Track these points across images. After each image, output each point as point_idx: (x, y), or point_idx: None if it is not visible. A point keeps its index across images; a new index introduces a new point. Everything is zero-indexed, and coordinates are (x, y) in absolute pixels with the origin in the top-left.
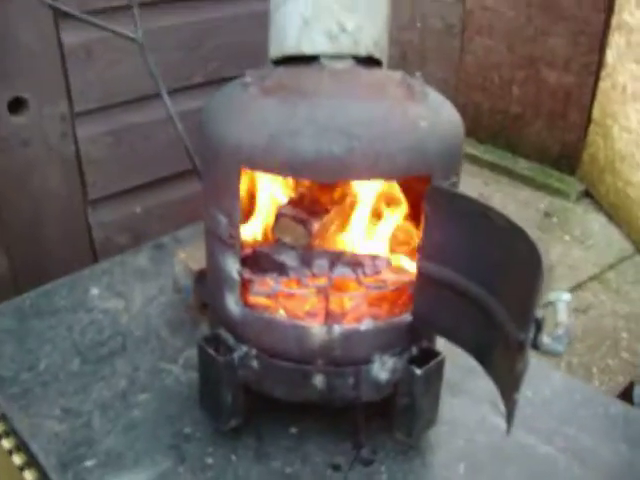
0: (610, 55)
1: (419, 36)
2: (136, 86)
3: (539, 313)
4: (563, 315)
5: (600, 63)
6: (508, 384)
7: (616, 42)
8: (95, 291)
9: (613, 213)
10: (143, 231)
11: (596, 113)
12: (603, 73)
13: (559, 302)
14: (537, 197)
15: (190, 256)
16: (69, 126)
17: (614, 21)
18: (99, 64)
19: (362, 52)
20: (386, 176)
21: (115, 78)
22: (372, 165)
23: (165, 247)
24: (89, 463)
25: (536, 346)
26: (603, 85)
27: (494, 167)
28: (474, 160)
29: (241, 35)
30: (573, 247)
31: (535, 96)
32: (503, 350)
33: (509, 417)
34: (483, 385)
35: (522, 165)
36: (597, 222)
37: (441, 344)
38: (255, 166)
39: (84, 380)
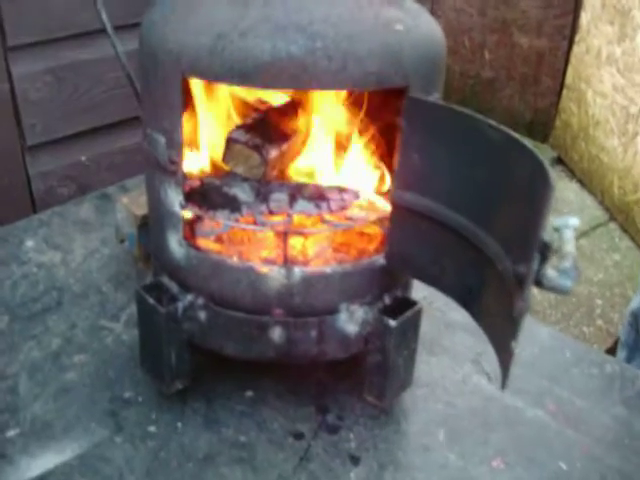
0: (584, 18)
1: None
2: (81, 19)
3: (545, 238)
4: (570, 244)
5: (574, 26)
6: (502, 331)
7: (591, 4)
8: (30, 243)
9: (586, 180)
10: (89, 182)
11: (570, 78)
12: (577, 37)
13: (565, 229)
14: None
15: (134, 201)
16: (1, 62)
17: None
18: None
19: None
20: (355, 85)
21: (55, 9)
22: (338, 70)
23: (110, 197)
24: (11, 433)
25: (539, 282)
26: (577, 49)
27: None
28: None
29: None
30: None
31: (507, 60)
32: (496, 290)
33: (504, 371)
34: (464, 341)
35: None
36: (570, 189)
37: (415, 296)
38: (199, 72)
39: (12, 339)
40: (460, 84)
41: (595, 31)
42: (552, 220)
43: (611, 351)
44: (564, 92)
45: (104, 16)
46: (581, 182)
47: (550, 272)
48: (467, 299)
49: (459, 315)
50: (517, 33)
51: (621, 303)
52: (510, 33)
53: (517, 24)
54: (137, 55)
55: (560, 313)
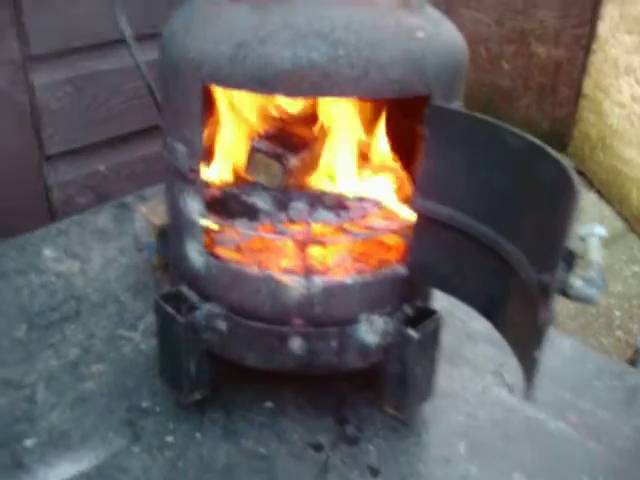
0: (602, 27)
1: None
2: (101, 29)
3: (569, 247)
4: (596, 253)
5: (592, 36)
6: (526, 341)
7: (609, 14)
8: (48, 252)
9: (605, 191)
10: (108, 192)
11: (587, 88)
12: (595, 46)
13: (591, 237)
14: None
15: (153, 210)
16: (20, 71)
17: None
18: (58, 2)
19: None
20: (376, 92)
21: (77, 19)
22: (360, 77)
23: (128, 206)
24: (29, 442)
25: (565, 291)
26: (595, 58)
27: None
28: None
29: None
30: None
31: (524, 70)
32: (519, 299)
33: (528, 381)
34: (485, 352)
35: None
36: (588, 200)
37: (435, 305)
38: (219, 80)
39: (30, 348)
40: (477, 94)
41: (613, 41)
42: (577, 228)
43: (630, 362)
44: (582, 102)
45: (124, 26)
46: (599, 192)
47: (576, 281)
48: (489, 309)
49: (480, 325)
50: (535, 43)
51: None
52: (528, 43)
53: (535, 34)
54: (157, 65)
55: (579, 324)
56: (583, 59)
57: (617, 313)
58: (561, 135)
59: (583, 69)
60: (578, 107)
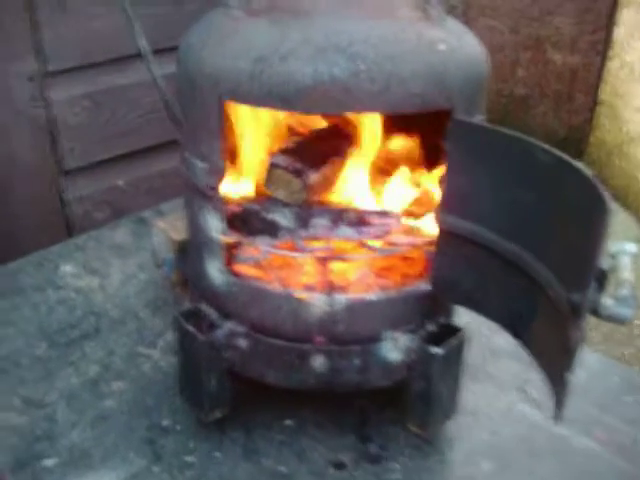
0: (618, 33)
1: None
2: (118, 44)
3: (601, 266)
4: (627, 271)
5: (607, 42)
6: (556, 361)
7: (625, 19)
8: (67, 268)
9: (621, 197)
10: (126, 207)
11: (604, 94)
12: (611, 52)
13: (622, 255)
14: None
15: (171, 225)
16: (39, 87)
17: None
18: (75, 17)
19: None
20: (398, 107)
21: (94, 34)
22: (381, 92)
23: (146, 221)
24: (49, 462)
25: (596, 311)
26: (611, 65)
27: None
28: None
29: None
30: None
31: (540, 77)
32: (548, 317)
33: (558, 403)
34: (509, 368)
35: None
36: None
37: (458, 320)
38: (239, 97)
39: (50, 366)
40: (493, 102)
41: (629, 47)
42: (607, 246)
43: None
44: (598, 109)
45: (142, 41)
46: (617, 200)
47: (607, 301)
48: (516, 327)
49: (503, 341)
50: (550, 50)
51: None
52: (543, 50)
53: (550, 41)
54: (174, 79)
55: (600, 334)
56: (599, 65)
57: (637, 322)
58: (578, 142)
59: (599, 75)
60: (594, 114)
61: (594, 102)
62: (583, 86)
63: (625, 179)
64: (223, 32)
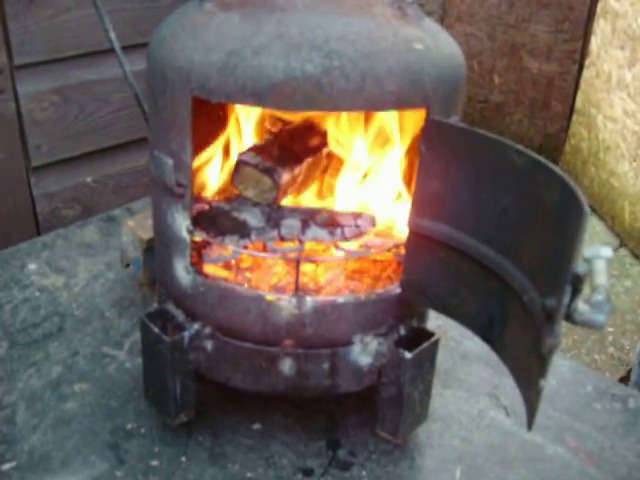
0: (595, 42)
1: None
2: (89, 38)
3: (577, 270)
4: (602, 276)
5: (584, 50)
6: (528, 367)
7: (601, 29)
8: (33, 266)
9: (597, 206)
10: (94, 204)
11: (579, 102)
12: (587, 61)
13: (597, 260)
14: None
15: (140, 224)
16: (8, 81)
17: (599, 7)
18: (44, 11)
19: None
20: (373, 106)
21: (63, 28)
22: (356, 90)
23: (116, 220)
24: (7, 466)
25: (570, 316)
26: (587, 73)
27: None
28: None
29: None
30: None
31: (516, 85)
32: (520, 323)
33: (530, 410)
34: (479, 373)
35: None
36: None
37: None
38: (209, 92)
39: (10, 366)
40: (469, 109)
41: (605, 56)
42: (582, 250)
43: (624, 380)
44: (574, 117)
45: (112, 35)
46: (591, 207)
47: (582, 306)
48: (488, 332)
49: (474, 345)
50: (527, 57)
51: (632, 330)
52: (520, 57)
53: (527, 48)
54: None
55: (571, 340)
56: (575, 74)
57: (610, 329)
58: (553, 150)
59: (575, 84)
60: (570, 122)
61: (570, 110)
62: (559, 94)
63: (600, 187)
64: (195, 25)
